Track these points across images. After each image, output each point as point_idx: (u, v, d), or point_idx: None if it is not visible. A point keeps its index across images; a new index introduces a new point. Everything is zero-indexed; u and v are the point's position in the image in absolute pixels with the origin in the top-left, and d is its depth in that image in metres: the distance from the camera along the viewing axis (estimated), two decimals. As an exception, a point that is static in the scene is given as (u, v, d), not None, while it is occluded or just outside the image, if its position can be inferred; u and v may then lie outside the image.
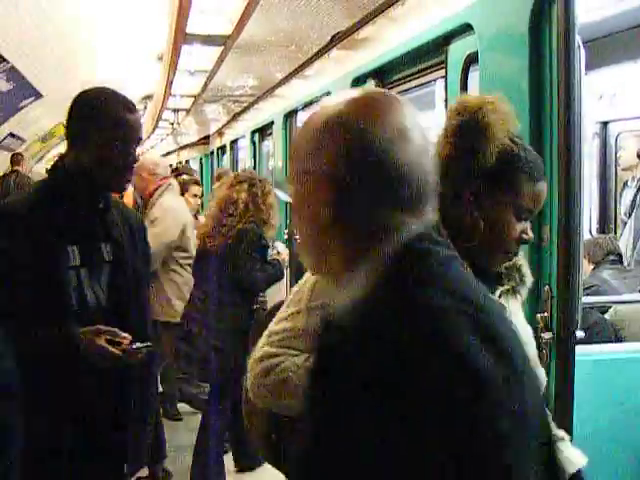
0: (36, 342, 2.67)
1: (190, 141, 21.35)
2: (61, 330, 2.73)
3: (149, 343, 2.88)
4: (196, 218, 7.59)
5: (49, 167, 3.04)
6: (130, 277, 3.04)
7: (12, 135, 14.53)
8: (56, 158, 3.17)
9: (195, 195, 7.71)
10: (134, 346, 2.80)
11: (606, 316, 4.28)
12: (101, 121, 2.82)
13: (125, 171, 2.91)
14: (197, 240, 6.06)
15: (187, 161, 24.85)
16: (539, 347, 2.98)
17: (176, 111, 13.27)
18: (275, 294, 6.39)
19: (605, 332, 4.04)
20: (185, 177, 8.22)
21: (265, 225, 5.60)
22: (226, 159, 14.33)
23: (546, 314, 2.96)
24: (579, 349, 2.96)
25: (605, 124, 7.25)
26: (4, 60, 9.01)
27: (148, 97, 19.69)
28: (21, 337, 2.39)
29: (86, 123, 2.85)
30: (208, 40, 6.58)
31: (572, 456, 2.04)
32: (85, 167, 2.83)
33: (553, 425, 2.30)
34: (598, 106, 6.70)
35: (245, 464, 6.46)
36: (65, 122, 2.93)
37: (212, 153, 16.76)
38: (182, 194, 7.32)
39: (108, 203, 3.00)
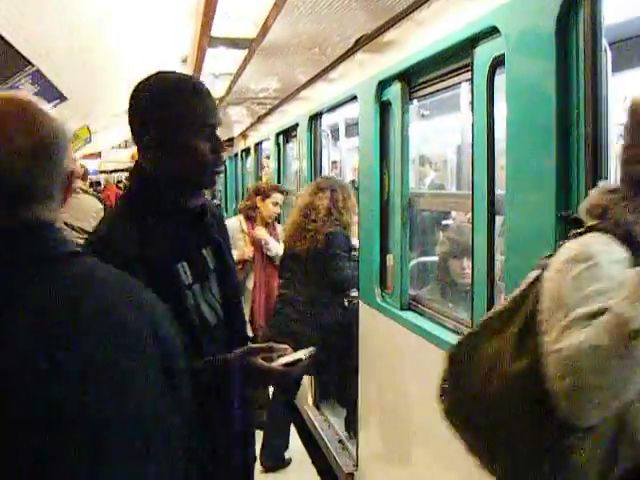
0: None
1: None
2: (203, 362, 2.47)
3: (312, 348, 2.64)
4: (267, 226, 7.57)
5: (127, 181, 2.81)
6: (233, 279, 2.84)
7: (37, 138, 14.62)
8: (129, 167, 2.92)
9: (276, 203, 7.62)
10: (297, 357, 2.56)
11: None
12: (173, 113, 2.54)
13: (215, 162, 2.62)
14: (283, 245, 6.69)
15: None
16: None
17: (200, 113, 13.31)
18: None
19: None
20: (267, 183, 8.15)
21: (348, 227, 5.99)
22: (250, 161, 14.35)
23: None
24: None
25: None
26: (29, 63, 9.08)
27: (172, 100, 19.74)
28: None
29: (155, 119, 2.56)
30: (233, 43, 6.61)
31: None
32: (169, 169, 2.56)
33: None
34: (622, 108, 6.67)
35: (270, 465, 6.53)
36: (129, 122, 2.67)
37: (236, 155, 16.77)
38: (263, 200, 7.39)
39: (204, 204, 2.74)
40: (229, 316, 2.73)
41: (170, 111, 2.54)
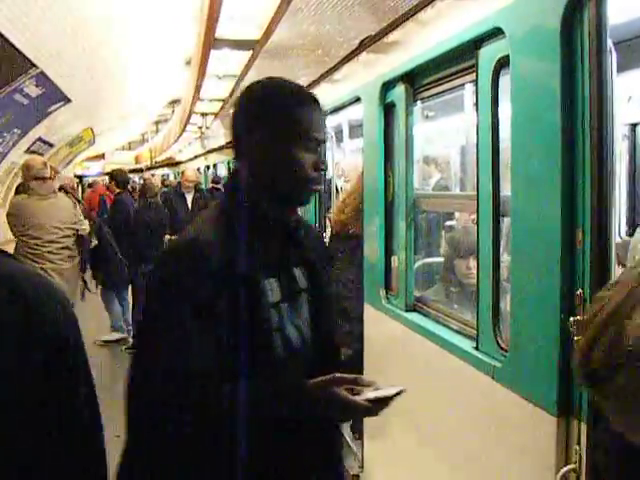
0: (237, 402, 2.22)
1: (218, 145, 21.44)
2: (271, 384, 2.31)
3: (401, 388, 2.35)
4: None
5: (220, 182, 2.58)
6: (327, 304, 2.68)
7: (41, 140, 14.65)
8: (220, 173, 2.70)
9: None
10: (384, 394, 2.32)
11: (637, 319, 4.26)
12: (281, 120, 2.42)
13: (315, 179, 2.48)
14: (335, 227, 7.08)
15: (214, 165, 24.96)
16: (572, 350, 2.97)
17: (204, 115, 13.35)
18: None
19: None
20: None
21: None
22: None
23: (579, 317, 2.95)
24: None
25: (634, 126, 7.23)
26: (33, 66, 9.09)
27: (176, 101, 19.81)
28: (219, 397, 2.18)
29: (261, 124, 2.43)
30: (237, 45, 6.63)
31: None
32: (266, 179, 2.44)
33: None
34: (627, 108, 6.68)
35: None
36: (232, 125, 2.54)
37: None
38: None
39: (299, 220, 2.62)
40: (319, 341, 2.58)
41: (278, 118, 2.43)
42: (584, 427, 2.95)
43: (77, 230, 8.17)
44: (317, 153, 2.48)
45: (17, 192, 10.01)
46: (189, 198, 13.39)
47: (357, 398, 2.28)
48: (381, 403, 2.31)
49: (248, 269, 2.30)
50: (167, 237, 11.92)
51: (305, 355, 2.49)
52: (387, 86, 5.42)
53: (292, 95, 2.48)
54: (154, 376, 2.17)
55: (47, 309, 1.81)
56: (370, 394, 2.31)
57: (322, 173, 2.54)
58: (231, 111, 2.58)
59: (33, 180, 7.85)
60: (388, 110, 5.52)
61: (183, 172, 15.14)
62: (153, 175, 31.34)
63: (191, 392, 2.15)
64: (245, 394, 2.22)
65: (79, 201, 8.54)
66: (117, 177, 11.94)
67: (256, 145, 2.43)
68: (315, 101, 2.52)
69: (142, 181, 20.54)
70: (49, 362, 1.75)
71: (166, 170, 43.85)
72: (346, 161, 10.12)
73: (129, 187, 13.22)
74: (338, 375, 2.35)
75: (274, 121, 2.42)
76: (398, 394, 2.33)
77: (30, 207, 7.73)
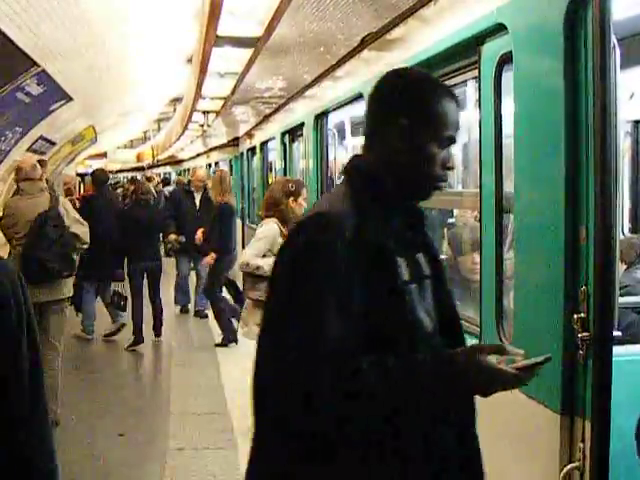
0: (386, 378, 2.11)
1: (219, 143, 21.43)
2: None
3: (547, 355, 2.19)
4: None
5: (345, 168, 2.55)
6: (449, 293, 2.60)
7: (43, 138, 14.63)
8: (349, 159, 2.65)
9: (305, 199, 7.55)
10: (532, 361, 2.18)
11: (641, 316, 4.26)
12: (425, 111, 2.38)
13: (441, 177, 2.44)
14: None
15: (216, 163, 24.95)
16: (576, 347, 2.97)
17: (206, 113, 13.33)
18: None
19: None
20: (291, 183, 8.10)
21: None
22: (256, 161, 14.36)
23: (583, 314, 2.94)
24: (615, 349, 2.94)
25: (637, 123, 7.21)
26: (35, 64, 9.07)
27: (178, 99, 19.79)
28: (356, 374, 2.07)
29: (397, 116, 2.38)
30: (238, 42, 6.61)
31: None
32: (394, 169, 2.39)
33: None
34: (630, 105, 6.65)
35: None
36: (370, 111, 2.50)
37: (242, 155, 16.77)
38: (295, 200, 7.32)
39: (420, 208, 2.60)
40: (444, 329, 2.46)
41: (417, 112, 2.38)
42: (588, 425, 2.95)
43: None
44: (448, 151, 2.44)
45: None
46: (197, 197, 13.22)
47: (503, 367, 2.16)
48: (528, 371, 2.18)
49: (379, 244, 2.24)
50: (173, 236, 11.88)
51: (435, 340, 2.39)
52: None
53: (433, 91, 2.44)
54: (292, 357, 2.06)
55: None
56: (518, 363, 2.19)
57: (448, 173, 2.48)
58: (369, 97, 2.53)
59: (23, 181, 7.97)
60: (390, 107, 5.50)
61: (194, 171, 15.06)
62: (151, 174, 31.22)
63: (332, 371, 2.04)
64: (387, 365, 2.12)
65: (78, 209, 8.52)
66: (94, 177, 11.97)
67: (390, 134, 2.39)
68: (454, 99, 2.47)
69: (144, 179, 20.56)
70: None
71: (168, 169, 43.82)
72: (348, 158, 10.08)
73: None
74: (481, 344, 2.35)
75: (413, 114, 2.37)
76: (546, 361, 2.20)
77: (22, 206, 7.82)
